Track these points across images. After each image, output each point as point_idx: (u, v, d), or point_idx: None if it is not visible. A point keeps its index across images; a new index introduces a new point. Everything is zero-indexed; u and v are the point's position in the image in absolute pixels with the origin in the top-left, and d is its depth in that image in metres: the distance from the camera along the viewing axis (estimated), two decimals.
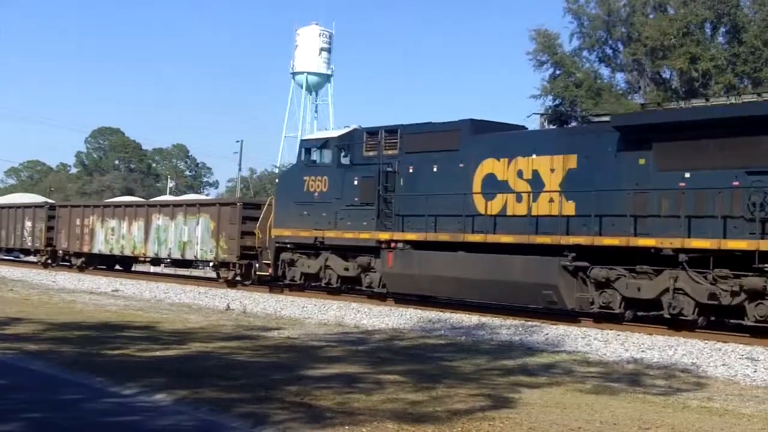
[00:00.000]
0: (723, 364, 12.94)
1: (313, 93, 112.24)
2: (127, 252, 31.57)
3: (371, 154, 21.43)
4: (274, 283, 24.93)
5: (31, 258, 40.15)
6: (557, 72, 44.35)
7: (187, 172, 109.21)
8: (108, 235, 32.16)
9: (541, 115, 47.05)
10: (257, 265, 25.15)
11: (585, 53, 44.68)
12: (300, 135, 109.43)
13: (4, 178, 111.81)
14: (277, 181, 24.20)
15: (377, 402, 8.84)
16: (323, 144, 22.90)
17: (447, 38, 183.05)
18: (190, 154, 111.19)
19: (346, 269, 22.11)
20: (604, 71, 45.23)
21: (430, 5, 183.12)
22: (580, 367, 12.44)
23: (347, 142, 22.22)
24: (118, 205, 33.90)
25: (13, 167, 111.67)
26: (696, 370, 12.59)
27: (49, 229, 35.38)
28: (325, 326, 17.36)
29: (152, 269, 37.26)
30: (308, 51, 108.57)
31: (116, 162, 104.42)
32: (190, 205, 29.63)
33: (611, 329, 16.71)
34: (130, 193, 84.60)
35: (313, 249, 22.79)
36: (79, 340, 13.37)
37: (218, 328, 16.02)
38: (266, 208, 24.64)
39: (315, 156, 23.00)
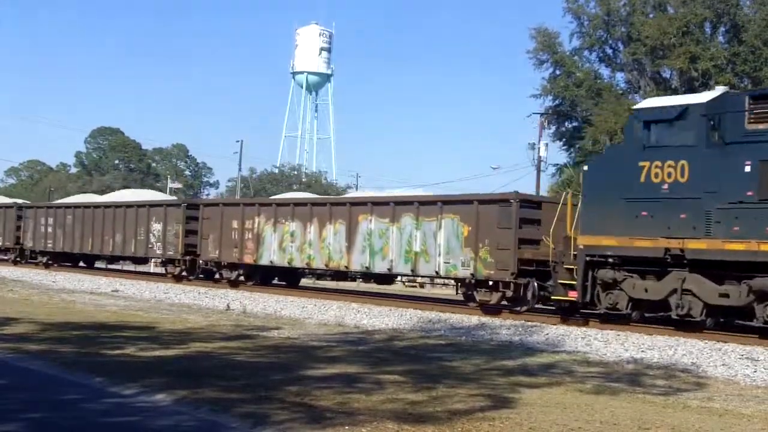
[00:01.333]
0: (723, 364, 12.94)
1: (313, 93, 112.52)
2: (319, 264, 24.31)
3: (763, 126, 15.11)
4: (574, 313, 18.21)
5: (144, 267, 35.59)
6: (557, 71, 44.36)
7: (187, 172, 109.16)
8: (286, 243, 24.95)
9: (541, 114, 47.39)
10: (535, 285, 18.82)
11: (585, 53, 44.71)
12: (300, 135, 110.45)
13: (4, 178, 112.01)
14: (584, 169, 18.19)
15: (377, 402, 8.84)
16: (679, 114, 16.09)
17: (447, 38, 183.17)
18: (190, 154, 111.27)
19: (724, 295, 15.50)
20: (604, 71, 45.28)
21: (430, 5, 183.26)
22: (580, 367, 12.44)
23: (718, 111, 15.76)
24: (301, 203, 26.21)
25: (13, 167, 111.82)
26: (696, 370, 12.60)
27: (188, 233, 28.44)
28: (325, 326, 17.37)
29: (315, 283, 30.35)
30: (308, 51, 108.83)
31: (116, 162, 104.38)
32: (426, 202, 21.90)
33: (611, 329, 16.70)
34: None
35: (655, 265, 16.33)
36: (79, 340, 13.36)
37: (218, 328, 16.02)
38: (560, 208, 18.13)
39: (658, 132, 16.39)
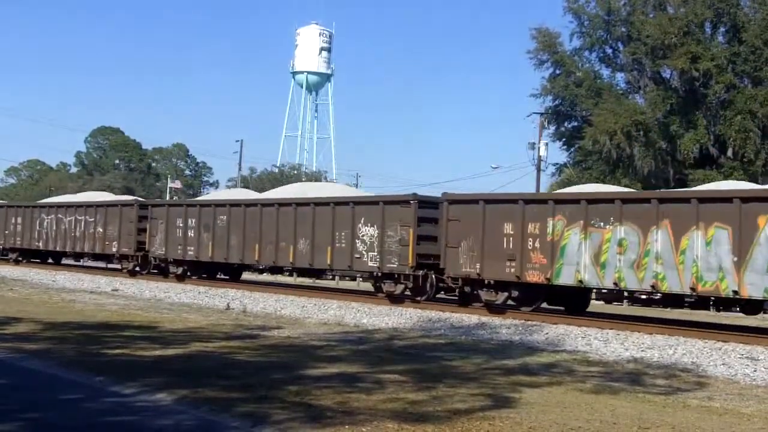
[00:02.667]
0: (723, 364, 12.95)
1: (313, 92, 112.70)
2: (674, 286, 16.43)
3: None
4: None
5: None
6: (557, 71, 44.37)
7: (187, 172, 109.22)
8: (607, 255, 17.44)
9: (541, 114, 47.43)
10: None
11: (585, 53, 44.74)
12: (300, 134, 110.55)
13: (4, 178, 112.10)
14: None
15: (377, 401, 8.83)
16: None
17: (447, 37, 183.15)
18: (190, 154, 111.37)
19: None
20: (604, 71, 45.29)
21: (430, 4, 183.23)
22: (580, 367, 12.45)
23: None
24: (636, 199, 18.44)
25: (13, 167, 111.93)
26: (696, 369, 12.61)
27: (421, 239, 21.09)
28: (325, 325, 17.36)
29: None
30: (308, 51, 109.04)
31: (116, 161, 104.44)
32: None
33: (611, 329, 16.70)
34: (131, 193, 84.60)
35: None
36: (79, 339, 13.37)
37: (218, 328, 16.02)
38: None
39: None
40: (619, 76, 45.15)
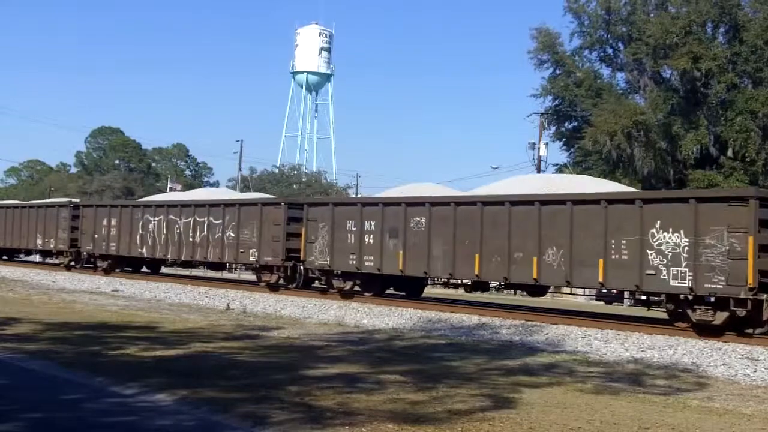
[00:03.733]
0: (723, 364, 12.95)
1: (313, 92, 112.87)
2: None
3: None
4: None
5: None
6: (557, 71, 44.35)
7: (187, 172, 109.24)
8: None
9: (541, 114, 47.42)
10: None
11: (585, 52, 44.73)
12: (300, 135, 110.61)
13: (4, 178, 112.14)
14: None
15: (377, 402, 8.83)
16: None
17: (447, 37, 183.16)
18: (190, 154, 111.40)
19: None
20: (605, 71, 45.28)
21: (430, 4, 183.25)
22: (580, 367, 12.44)
23: None
24: None
25: (13, 167, 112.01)
26: (696, 369, 12.60)
27: (762, 249, 15.25)
28: (326, 326, 17.36)
29: None
30: (308, 51, 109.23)
31: (116, 162, 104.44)
32: None
33: (611, 329, 16.69)
34: (131, 192, 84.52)
35: None
36: (80, 340, 13.36)
37: (218, 328, 16.01)
38: None
39: None
40: (619, 76, 45.17)
